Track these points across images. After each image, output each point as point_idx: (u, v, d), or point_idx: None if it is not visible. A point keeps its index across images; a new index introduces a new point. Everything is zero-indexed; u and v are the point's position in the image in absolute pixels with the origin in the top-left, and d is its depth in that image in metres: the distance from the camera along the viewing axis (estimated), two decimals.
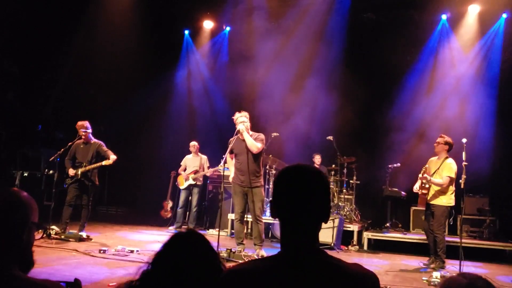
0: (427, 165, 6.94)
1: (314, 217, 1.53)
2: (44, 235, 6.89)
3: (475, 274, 1.41)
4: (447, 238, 7.99)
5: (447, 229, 8.91)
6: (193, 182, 9.46)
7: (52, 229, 7.22)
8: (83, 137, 7.68)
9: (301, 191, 1.52)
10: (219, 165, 8.87)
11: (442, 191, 6.67)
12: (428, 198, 6.79)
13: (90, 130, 7.73)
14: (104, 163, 7.50)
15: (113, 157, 7.49)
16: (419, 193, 6.89)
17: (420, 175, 6.80)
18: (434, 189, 6.74)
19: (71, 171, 7.58)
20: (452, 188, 6.69)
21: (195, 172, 9.47)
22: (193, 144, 9.71)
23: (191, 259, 1.56)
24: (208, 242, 1.66)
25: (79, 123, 7.69)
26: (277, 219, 1.59)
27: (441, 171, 6.72)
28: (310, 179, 1.54)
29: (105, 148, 7.73)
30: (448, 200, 6.65)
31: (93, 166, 7.59)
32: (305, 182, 1.53)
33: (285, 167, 1.64)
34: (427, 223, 6.92)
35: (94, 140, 7.80)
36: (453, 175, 6.61)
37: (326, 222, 1.57)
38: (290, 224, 1.53)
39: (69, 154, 7.74)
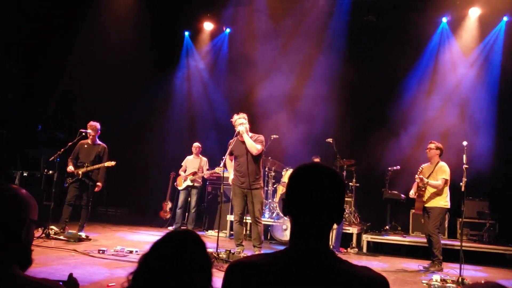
0: (422, 167, 7.05)
1: (328, 218, 1.50)
2: (43, 234, 6.88)
3: (494, 282, 1.38)
4: (447, 241, 8.01)
5: (447, 232, 8.94)
6: (190, 183, 9.45)
7: (52, 229, 7.22)
8: (90, 137, 7.72)
9: (317, 190, 1.48)
10: (217, 168, 8.86)
11: (438, 194, 6.79)
12: (425, 200, 6.87)
13: (98, 133, 7.80)
14: (106, 164, 7.54)
15: (109, 163, 7.57)
16: (415, 197, 6.98)
17: (416, 176, 6.89)
18: (429, 191, 6.85)
19: (70, 169, 7.58)
20: (447, 190, 6.81)
21: (194, 173, 9.46)
22: (196, 145, 9.70)
23: (180, 259, 1.51)
24: (202, 245, 1.60)
25: (91, 123, 7.76)
26: (287, 217, 1.56)
27: (435, 174, 6.86)
28: (327, 179, 1.51)
29: (106, 156, 7.80)
30: (444, 202, 6.77)
31: (95, 167, 7.61)
32: (322, 182, 1.50)
33: (301, 164, 1.59)
34: (426, 226, 6.98)
35: (99, 142, 7.84)
36: (448, 177, 6.78)
37: (338, 224, 1.55)
38: (302, 222, 1.50)
39: (73, 153, 7.77)
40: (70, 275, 1.78)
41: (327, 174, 1.52)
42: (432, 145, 7.00)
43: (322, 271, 1.41)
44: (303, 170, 1.55)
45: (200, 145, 9.75)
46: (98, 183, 7.69)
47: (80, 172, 7.55)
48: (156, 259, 1.53)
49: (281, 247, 1.53)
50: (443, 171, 6.79)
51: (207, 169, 9.54)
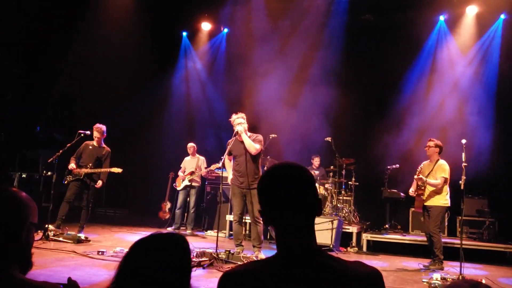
0: (421, 165, 7.02)
1: (305, 213, 1.49)
2: (43, 237, 6.85)
3: (476, 280, 1.37)
4: (447, 240, 8.01)
5: (446, 231, 8.94)
6: (189, 183, 9.43)
7: (51, 231, 7.18)
8: (95, 139, 7.72)
9: (285, 189, 1.48)
10: (213, 165, 8.82)
11: (437, 192, 6.77)
12: (424, 199, 6.85)
13: (104, 136, 7.81)
14: (113, 170, 7.56)
15: (116, 169, 7.59)
16: (415, 195, 6.95)
17: (415, 176, 6.87)
18: (429, 190, 6.82)
19: (73, 166, 7.55)
20: (447, 189, 6.78)
21: (191, 173, 9.44)
22: (190, 145, 9.69)
23: (156, 260, 1.50)
24: (183, 247, 1.58)
25: (97, 125, 7.77)
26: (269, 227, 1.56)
27: (435, 173, 6.83)
28: (291, 175, 1.51)
29: (108, 160, 7.80)
30: (443, 200, 6.75)
31: (101, 170, 7.63)
32: (287, 180, 1.50)
33: (264, 172, 1.60)
34: (426, 225, 6.95)
35: (104, 145, 7.84)
36: (447, 175, 6.75)
37: (319, 215, 1.53)
38: (282, 225, 1.50)
39: (77, 152, 7.77)
40: (69, 279, 1.77)
41: (291, 170, 1.52)
42: (431, 143, 6.95)
43: (312, 270, 1.40)
44: (267, 175, 1.56)
45: (194, 145, 9.72)
46: (100, 181, 7.67)
47: (82, 172, 7.54)
48: (134, 259, 1.53)
49: None
50: (443, 169, 6.76)
51: (205, 168, 9.53)
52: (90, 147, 7.75)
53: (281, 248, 1.50)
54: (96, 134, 7.71)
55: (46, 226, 7.09)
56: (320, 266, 1.42)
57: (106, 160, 7.77)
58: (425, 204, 6.85)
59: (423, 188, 6.85)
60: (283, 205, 1.47)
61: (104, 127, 7.81)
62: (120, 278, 1.51)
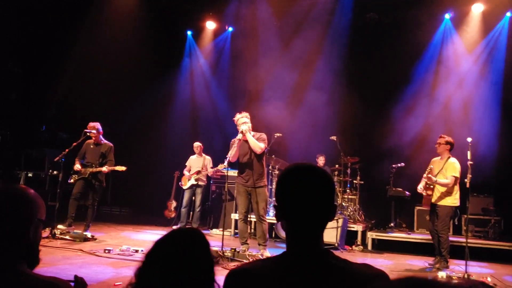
0: (431, 165, 6.88)
1: (320, 217, 1.50)
2: (50, 234, 6.90)
3: (477, 280, 1.36)
4: (452, 238, 7.95)
5: (452, 229, 8.89)
6: (195, 182, 9.45)
7: (58, 230, 7.21)
8: (93, 138, 7.72)
9: (307, 191, 1.47)
10: (219, 165, 8.83)
11: (447, 191, 6.58)
12: (433, 198, 6.69)
13: (101, 132, 7.80)
14: (117, 168, 7.57)
15: (105, 168, 7.57)
16: (424, 193, 6.80)
17: (424, 175, 6.74)
18: (438, 189, 6.65)
19: (78, 167, 7.59)
20: (457, 188, 6.60)
21: (198, 172, 9.46)
22: (197, 145, 9.71)
23: (183, 257, 1.51)
24: (205, 243, 1.60)
25: (91, 124, 7.75)
26: (279, 222, 1.55)
27: (445, 171, 6.63)
28: (315, 178, 1.50)
29: (111, 154, 7.79)
30: (453, 200, 6.57)
31: (104, 169, 7.63)
32: (310, 182, 1.49)
33: (287, 167, 1.58)
34: (432, 223, 6.84)
35: (104, 141, 7.85)
36: (458, 175, 6.53)
37: (331, 221, 1.54)
38: (296, 224, 1.50)
39: (80, 153, 7.79)
40: (76, 277, 1.79)
41: (315, 173, 1.51)
42: (441, 140, 6.71)
43: (320, 270, 1.41)
44: (290, 172, 1.54)
45: (201, 144, 9.74)
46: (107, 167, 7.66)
47: (88, 172, 7.57)
48: (159, 257, 1.54)
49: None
50: (453, 168, 6.54)
51: (211, 167, 9.55)
52: (91, 146, 7.78)
53: (290, 246, 1.51)
54: (92, 132, 7.71)
55: (54, 225, 7.14)
56: (328, 266, 1.42)
57: (110, 155, 7.75)
58: (434, 202, 6.68)
59: (432, 186, 6.67)
60: (303, 204, 1.47)
61: (97, 124, 7.78)
62: (143, 277, 1.52)
